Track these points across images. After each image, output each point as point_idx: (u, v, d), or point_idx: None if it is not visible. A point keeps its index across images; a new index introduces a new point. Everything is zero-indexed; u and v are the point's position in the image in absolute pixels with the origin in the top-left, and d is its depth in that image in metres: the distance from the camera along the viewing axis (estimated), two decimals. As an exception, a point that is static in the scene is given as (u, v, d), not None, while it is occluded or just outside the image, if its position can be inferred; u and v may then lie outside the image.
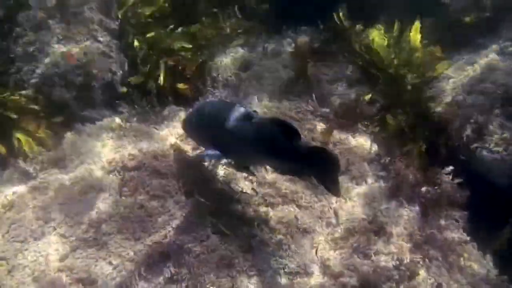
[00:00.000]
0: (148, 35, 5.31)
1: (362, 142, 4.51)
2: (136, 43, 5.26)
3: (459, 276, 3.81)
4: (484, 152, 4.64)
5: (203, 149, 3.92)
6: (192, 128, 3.93)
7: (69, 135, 4.45)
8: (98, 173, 4.03)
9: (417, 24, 5.45)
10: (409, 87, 5.31)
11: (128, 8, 5.32)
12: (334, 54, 5.79)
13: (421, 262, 3.77)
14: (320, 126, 4.56)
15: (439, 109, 5.17)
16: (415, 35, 5.49)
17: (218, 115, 3.51)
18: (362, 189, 4.13)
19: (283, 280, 3.56)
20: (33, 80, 4.73)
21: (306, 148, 3.33)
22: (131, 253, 3.58)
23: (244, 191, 3.97)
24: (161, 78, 5.02)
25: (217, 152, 3.51)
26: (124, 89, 5.12)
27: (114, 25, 5.24)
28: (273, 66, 5.42)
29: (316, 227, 3.86)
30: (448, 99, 5.22)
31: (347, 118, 4.73)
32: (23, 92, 4.70)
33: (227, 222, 3.73)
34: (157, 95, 4.90)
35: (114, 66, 5.14)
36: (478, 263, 3.92)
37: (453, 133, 4.99)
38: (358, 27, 5.78)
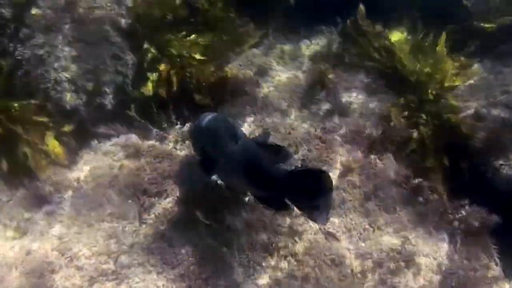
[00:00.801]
0: (158, 38, 5.03)
1: (389, 163, 4.34)
2: (145, 45, 4.99)
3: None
4: (510, 171, 4.51)
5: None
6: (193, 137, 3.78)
7: (84, 152, 4.21)
8: (116, 198, 3.82)
9: (443, 38, 5.26)
10: (431, 97, 5.15)
11: (141, 8, 5.01)
12: (352, 58, 5.58)
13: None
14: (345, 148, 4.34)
15: (461, 121, 5.01)
16: (441, 47, 5.30)
17: (212, 133, 3.36)
18: (390, 217, 3.99)
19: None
20: (42, 86, 4.46)
21: (286, 172, 3.08)
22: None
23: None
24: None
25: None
26: (136, 93, 4.87)
27: (126, 24, 4.95)
28: (292, 72, 5.21)
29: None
30: (470, 111, 5.06)
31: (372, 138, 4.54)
32: (32, 101, 4.41)
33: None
34: (173, 108, 4.65)
35: (125, 69, 4.89)
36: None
37: (476, 148, 4.85)
38: (378, 28, 5.56)
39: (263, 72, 5.19)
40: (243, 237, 3.58)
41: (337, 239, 3.69)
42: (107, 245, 3.58)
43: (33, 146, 4.21)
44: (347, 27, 5.66)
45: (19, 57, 4.47)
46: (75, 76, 4.54)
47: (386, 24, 5.68)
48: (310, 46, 5.66)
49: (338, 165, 4.23)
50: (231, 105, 4.71)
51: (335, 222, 3.86)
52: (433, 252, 3.84)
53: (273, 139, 4.20)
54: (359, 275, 3.65)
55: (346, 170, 4.17)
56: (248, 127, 4.53)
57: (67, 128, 4.54)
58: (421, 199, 4.13)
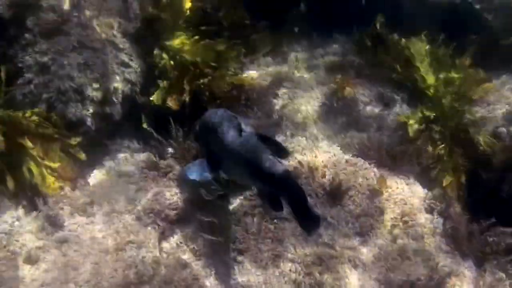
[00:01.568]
0: (169, 43, 4.73)
1: (416, 188, 4.16)
2: (156, 51, 4.68)
3: None
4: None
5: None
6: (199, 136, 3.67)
7: (96, 173, 3.90)
8: (134, 225, 3.54)
9: (468, 56, 5.09)
10: (449, 110, 4.97)
11: (149, 12, 4.69)
12: (370, 69, 5.35)
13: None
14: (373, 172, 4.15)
15: (480, 138, 4.84)
16: (464, 61, 5.13)
17: (216, 127, 3.35)
18: (417, 245, 3.80)
19: None
20: (45, 95, 4.13)
21: (284, 168, 3.03)
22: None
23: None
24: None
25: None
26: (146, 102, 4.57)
27: (134, 30, 4.63)
28: (307, 83, 4.97)
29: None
30: (489, 127, 4.89)
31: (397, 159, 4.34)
32: (35, 110, 4.07)
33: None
34: (187, 119, 4.36)
35: (133, 77, 4.58)
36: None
37: (496, 167, 4.70)
38: (397, 38, 5.35)
39: (278, 83, 4.93)
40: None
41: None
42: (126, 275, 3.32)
43: (39, 162, 3.89)
44: (364, 36, 5.45)
45: (20, 64, 4.12)
46: (81, 85, 4.20)
47: (404, 34, 5.47)
48: (325, 56, 5.40)
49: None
50: (246, 117, 4.45)
51: (363, 251, 3.67)
52: (461, 279, 3.69)
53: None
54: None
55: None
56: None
57: (73, 140, 4.21)
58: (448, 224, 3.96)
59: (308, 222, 3.03)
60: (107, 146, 4.33)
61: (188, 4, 4.82)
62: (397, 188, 4.02)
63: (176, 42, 4.74)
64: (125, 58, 4.53)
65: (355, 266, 3.60)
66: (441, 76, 5.18)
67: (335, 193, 3.85)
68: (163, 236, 3.50)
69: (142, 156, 4.11)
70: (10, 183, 3.75)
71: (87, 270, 3.34)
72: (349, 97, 5.00)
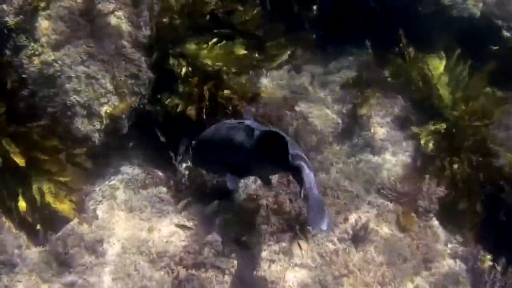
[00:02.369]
0: (186, 51, 4.51)
1: (439, 232, 4.00)
2: (172, 60, 4.46)
3: None
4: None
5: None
6: (203, 155, 3.65)
7: (105, 206, 3.70)
8: (146, 268, 3.34)
9: (485, 73, 4.91)
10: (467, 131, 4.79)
11: (163, 19, 4.46)
12: (385, 85, 5.16)
13: None
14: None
15: (500, 162, 4.67)
16: (479, 80, 4.95)
17: (228, 136, 3.35)
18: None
19: None
20: (50, 109, 3.91)
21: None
22: None
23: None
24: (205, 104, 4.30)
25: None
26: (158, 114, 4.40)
27: (144, 38, 4.40)
28: (321, 101, 4.78)
29: None
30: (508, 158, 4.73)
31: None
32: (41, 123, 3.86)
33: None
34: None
35: (143, 89, 4.37)
36: None
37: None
38: (416, 54, 5.16)
39: (293, 99, 4.74)
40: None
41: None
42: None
43: (50, 178, 3.71)
44: (379, 52, 5.26)
45: (25, 75, 3.90)
46: (88, 100, 3.99)
47: (422, 48, 5.28)
48: (341, 71, 5.20)
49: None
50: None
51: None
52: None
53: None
54: None
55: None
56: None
57: (79, 150, 4.02)
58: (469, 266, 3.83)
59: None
60: (113, 162, 4.16)
61: (208, 8, 4.63)
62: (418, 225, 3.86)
63: (192, 47, 4.52)
64: (134, 70, 4.30)
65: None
66: (458, 95, 5.02)
67: (358, 238, 3.72)
68: (177, 282, 3.29)
69: (157, 190, 3.88)
70: (22, 203, 3.55)
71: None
72: (365, 116, 4.84)
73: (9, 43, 3.91)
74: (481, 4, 5.34)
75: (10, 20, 3.89)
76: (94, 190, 4.24)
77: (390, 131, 4.82)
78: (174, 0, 4.52)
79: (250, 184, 3.87)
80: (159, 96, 4.46)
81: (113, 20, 4.21)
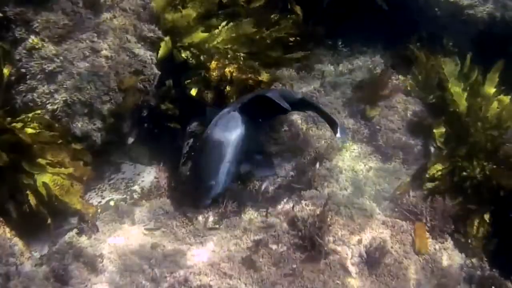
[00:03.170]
0: (195, 40, 4.37)
1: (454, 255, 3.84)
2: (183, 54, 4.31)
3: None
4: None
5: None
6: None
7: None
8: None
9: (494, 75, 4.73)
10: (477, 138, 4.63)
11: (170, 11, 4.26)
12: (398, 87, 4.99)
13: None
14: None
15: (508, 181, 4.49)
16: (489, 87, 4.78)
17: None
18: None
19: None
20: (50, 107, 3.73)
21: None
22: None
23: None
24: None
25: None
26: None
27: (150, 32, 4.20)
28: (333, 103, 4.63)
29: None
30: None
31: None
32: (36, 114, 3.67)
33: None
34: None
35: (147, 85, 4.19)
36: None
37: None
38: (431, 57, 4.98)
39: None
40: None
41: None
42: None
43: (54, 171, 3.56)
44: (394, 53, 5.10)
45: (24, 70, 3.70)
46: (90, 98, 3.81)
47: (435, 51, 5.10)
48: (353, 72, 5.02)
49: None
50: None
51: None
52: None
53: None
54: None
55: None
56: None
57: (78, 146, 3.87)
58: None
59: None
60: (113, 163, 4.06)
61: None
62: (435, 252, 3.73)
63: (200, 35, 4.42)
64: (138, 65, 4.10)
65: None
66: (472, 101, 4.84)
67: (373, 261, 3.59)
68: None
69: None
70: (33, 200, 3.40)
71: None
72: (375, 120, 4.68)
73: (8, 34, 3.71)
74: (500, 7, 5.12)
75: (10, 10, 3.68)
76: (94, 188, 4.14)
77: (401, 137, 4.65)
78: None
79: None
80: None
81: (118, 13, 4.00)
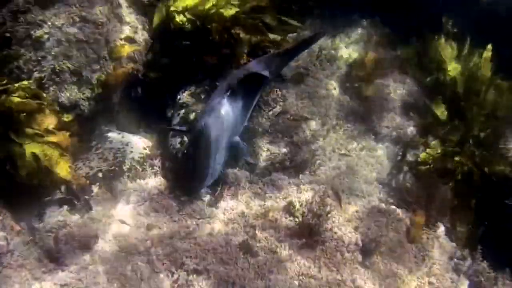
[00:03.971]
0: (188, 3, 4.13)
1: (445, 243, 3.90)
2: (177, 19, 4.08)
3: None
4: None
5: None
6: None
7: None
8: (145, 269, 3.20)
9: (487, 54, 4.64)
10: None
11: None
12: (395, 63, 4.89)
13: None
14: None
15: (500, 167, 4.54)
16: (485, 65, 4.70)
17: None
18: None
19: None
20: (37, 74, 3.56)
21: None
22: None
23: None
24: None
25: None
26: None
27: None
28: (326, 85, 4.56)
29: None
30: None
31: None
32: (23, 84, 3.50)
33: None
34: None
35: (137, 55, 4.03)
36: None
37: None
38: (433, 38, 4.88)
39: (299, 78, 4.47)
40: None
41: None
42: None
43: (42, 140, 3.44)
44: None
45: (8, 34, 3.50)
46: (79, 66, 3.65)
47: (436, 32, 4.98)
48: (349, 47, 4.89)
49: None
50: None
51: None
52: None
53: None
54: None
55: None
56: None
57: (66, 117, 3.73)
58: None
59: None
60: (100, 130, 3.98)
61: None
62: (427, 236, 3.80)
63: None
64: (130, 32, 3.93)
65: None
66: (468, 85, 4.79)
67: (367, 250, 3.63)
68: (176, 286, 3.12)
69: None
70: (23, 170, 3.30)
71: None
72: (371, 99, 4.61)
73: (-9, -4, 3.48)
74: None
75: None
76: (81, 158, 4.05)
77: (395, 117, 4.62)
78: None
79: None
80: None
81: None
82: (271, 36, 4.27)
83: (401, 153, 4.44)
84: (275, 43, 4.27)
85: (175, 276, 3.15)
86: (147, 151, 4.10)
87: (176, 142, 4.09)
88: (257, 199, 3.71)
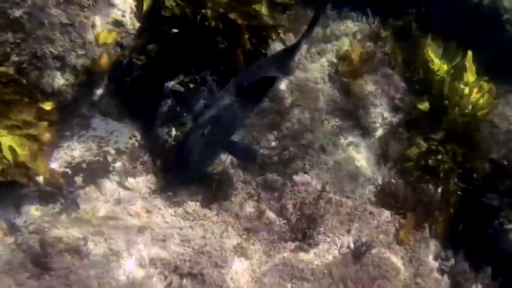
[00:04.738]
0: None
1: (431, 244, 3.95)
2: (167, 3, 3.82)
3: None
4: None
5: None
6: None
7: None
8: (139, 273, 3.01)
9: (469, 55, 4.68)
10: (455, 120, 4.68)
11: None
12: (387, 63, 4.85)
13: None
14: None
15: (483, 164, 4.62)
16: (469, 66, 4.74)
17: None
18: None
19: None
20: (16, 58, 3.27)
21: None
22: None
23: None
24: None
25: None
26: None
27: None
28: (315, 79, 4.47)
29: None
30: (494, 154, 4.67)
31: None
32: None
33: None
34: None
35: (126, 40, 3.79)
36: None
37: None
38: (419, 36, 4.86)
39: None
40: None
41: None
42: None
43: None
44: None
45: (-17, 14, 3.18)
46: (63, 50, 3.38)
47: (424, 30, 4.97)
48: (340, 39, 4.80)
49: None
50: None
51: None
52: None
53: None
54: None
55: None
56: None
57: (47, 106, 3.45)
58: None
59: None
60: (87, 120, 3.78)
61: None
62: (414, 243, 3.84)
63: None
64: (117, 15, 3.67)
65: None
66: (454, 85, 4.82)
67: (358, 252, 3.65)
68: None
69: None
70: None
71: None
72: (358, 94, 4.57)
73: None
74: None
75: None
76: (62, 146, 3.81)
77: (382, 112, 4.62)
78: None
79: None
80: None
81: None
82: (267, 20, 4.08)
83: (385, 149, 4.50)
84: (271, 28, 4.10)
85: (168, 280, 3.05)
86: (133, 141, 3.93)
87: (162, 132, 3.93)
88: (250, 200, 3.62)
